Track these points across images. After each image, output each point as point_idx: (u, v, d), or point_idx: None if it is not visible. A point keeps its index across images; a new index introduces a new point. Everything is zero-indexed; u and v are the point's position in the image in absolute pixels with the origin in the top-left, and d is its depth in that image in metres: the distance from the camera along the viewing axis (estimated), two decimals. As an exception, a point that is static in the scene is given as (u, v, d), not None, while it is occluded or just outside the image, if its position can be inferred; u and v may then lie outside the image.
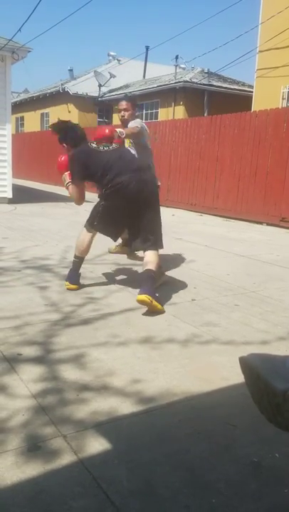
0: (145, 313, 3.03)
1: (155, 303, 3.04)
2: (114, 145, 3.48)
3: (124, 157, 3.38)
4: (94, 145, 3.42)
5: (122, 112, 4.22)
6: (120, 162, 3.28)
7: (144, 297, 3.00)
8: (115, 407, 1.88)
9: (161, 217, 3.39)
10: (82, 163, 3.36)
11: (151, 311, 3.05)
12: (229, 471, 1.53)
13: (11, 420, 1.76)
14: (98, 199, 3.43)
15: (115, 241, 3.57)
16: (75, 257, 3.55)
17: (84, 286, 3.59)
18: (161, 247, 3.37)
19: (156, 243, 3.32)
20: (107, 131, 3.77)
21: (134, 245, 3.41)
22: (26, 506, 1.34)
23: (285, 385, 0.84)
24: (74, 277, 3.53)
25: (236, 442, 1.69)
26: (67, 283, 3.52)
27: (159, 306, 3.09)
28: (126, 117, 4.20)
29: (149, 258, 3.26)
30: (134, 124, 4.11)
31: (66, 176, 3.52)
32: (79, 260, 3.54)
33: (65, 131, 3.51)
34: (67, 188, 3.56)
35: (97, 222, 3.41)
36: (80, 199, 3.54)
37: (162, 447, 1.64)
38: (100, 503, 1.37)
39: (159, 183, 3.92)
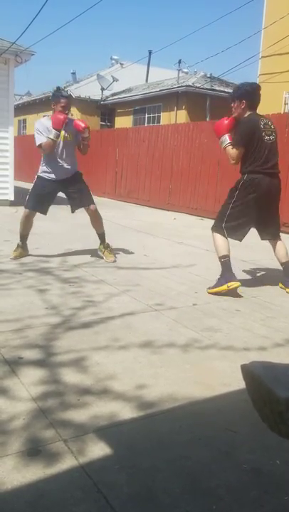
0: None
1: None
2: (272, 136, 3.75)
3: (272, 151, 3.72)
4: (261, 125, 3.64)
5: (66, 111, 4.70)
6: (270, 155, 3.67)
7: None
8: (116, 411, 1.88)
9: (164, 221, 3.42)
10: (251, 131, 3.60)
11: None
12: (230, 478, 1.53)
13: (12, 424, 1.75)
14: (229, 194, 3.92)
15: (240, 240, 3.85)
16: (222, 257, 3.73)
17: (84, 289, 3.60)
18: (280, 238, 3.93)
19: (279, 234, 3.92)
20: (82, 125, 4.51)
21: (263, 236, 3.92)
22: (26, 511, 1.34)
23: (287, 394, 0.84)
24: (230, 276, 3.68)
25: (237, 449, 1.69)
26: (230, 283, 3.60)
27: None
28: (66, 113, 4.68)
29: (282, 248, 3.86)
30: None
31: (226, 138, 3.70)
32: (226, 259, 3.75)
33: (251, 92, 3.66)
34: (224, 149, 3.76)
35: (227, 222, 3.76)
36: (239, 160, 3.78)
37: (163, 453, 1.64)
38: (100, 508, 1.36)
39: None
